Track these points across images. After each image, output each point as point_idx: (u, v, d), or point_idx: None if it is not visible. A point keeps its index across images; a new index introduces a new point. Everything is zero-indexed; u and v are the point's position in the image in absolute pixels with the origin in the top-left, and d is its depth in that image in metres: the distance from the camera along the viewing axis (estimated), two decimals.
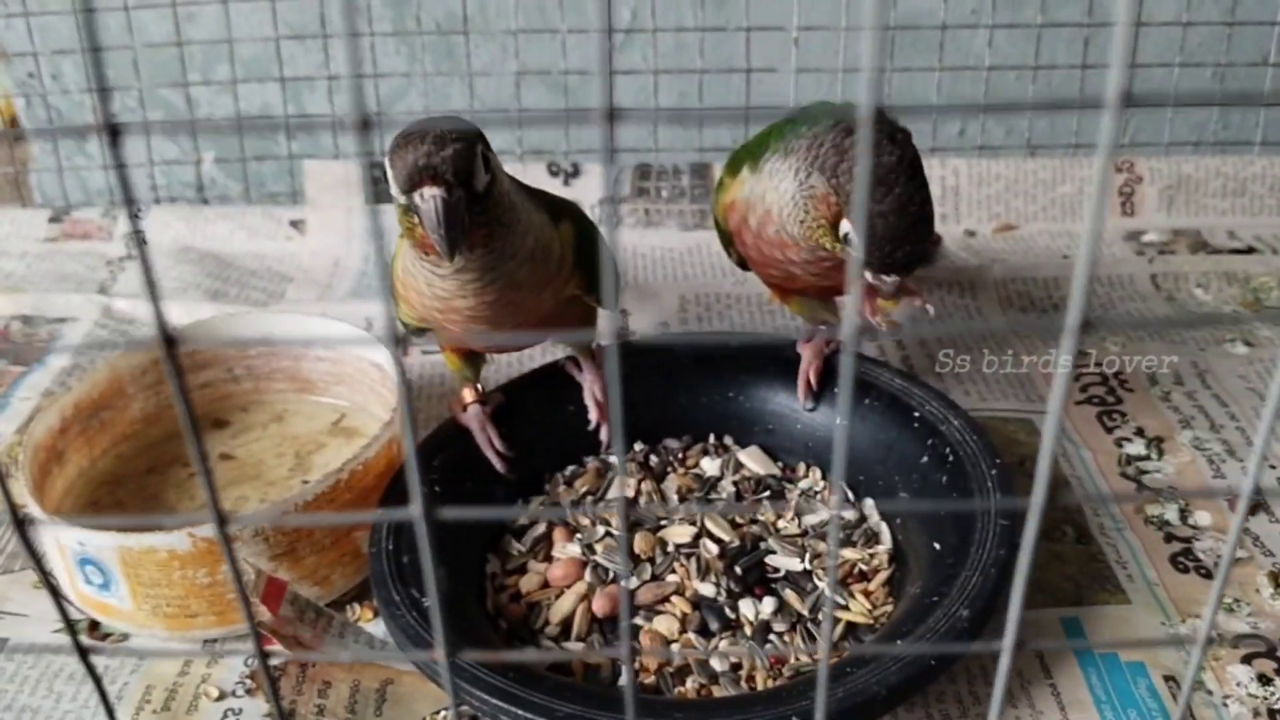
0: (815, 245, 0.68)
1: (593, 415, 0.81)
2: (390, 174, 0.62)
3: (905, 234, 0.63)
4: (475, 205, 0.62)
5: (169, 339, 0.26)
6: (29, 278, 1.09)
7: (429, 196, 0.60)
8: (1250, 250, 1.07)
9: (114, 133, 0.25)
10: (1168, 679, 0.64)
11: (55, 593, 0.34)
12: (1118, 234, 1.13)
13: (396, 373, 0.27)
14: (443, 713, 0.66)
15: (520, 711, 0.57)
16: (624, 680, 0.39)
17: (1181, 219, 1.14)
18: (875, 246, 0.64)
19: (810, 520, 0.75)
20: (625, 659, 0.30)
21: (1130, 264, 1.05)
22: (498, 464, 0.77)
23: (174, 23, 1.16)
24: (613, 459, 0.81)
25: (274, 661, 0.68)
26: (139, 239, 0.27)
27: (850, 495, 0.78)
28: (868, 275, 0.66)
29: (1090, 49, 1.16)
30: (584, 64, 1.18)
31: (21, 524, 0.37)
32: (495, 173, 0.64)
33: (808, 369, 0.80)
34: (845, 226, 0.66)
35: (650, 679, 0.66)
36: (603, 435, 0.81)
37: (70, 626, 0.33)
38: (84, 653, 0.32)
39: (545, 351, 0.95)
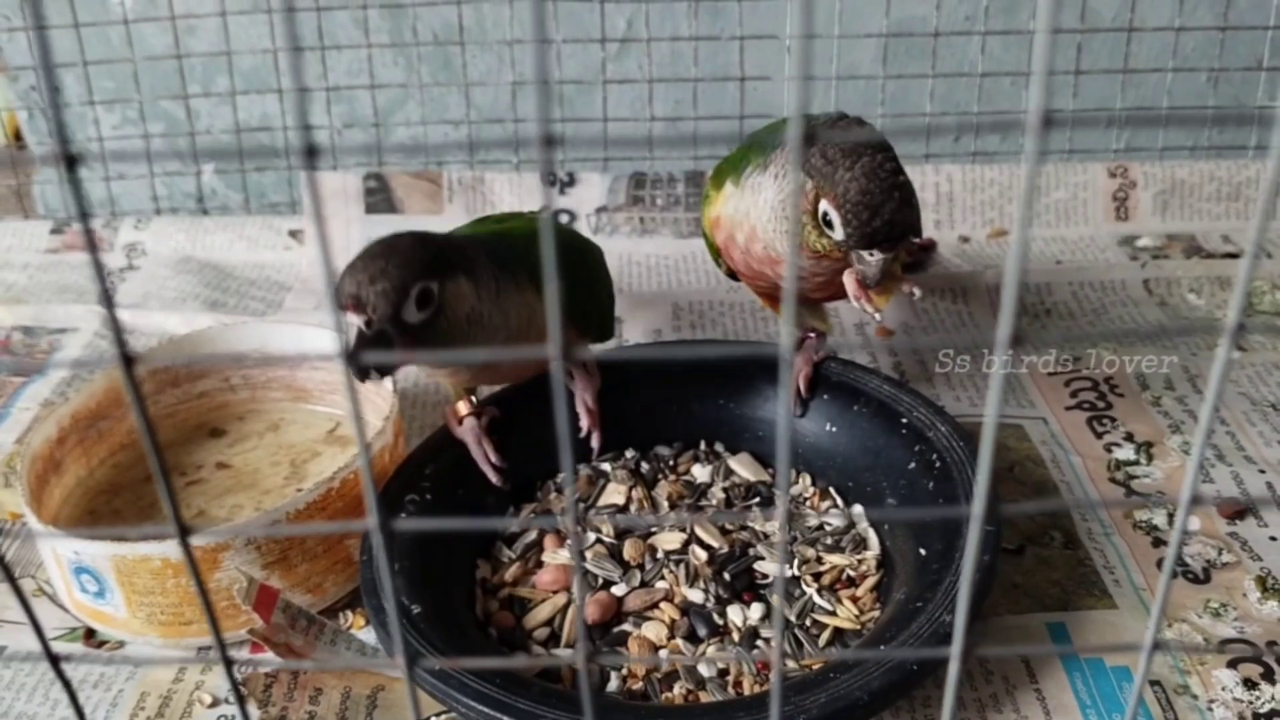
0: (805, 248, 0.69)
1: (584, 423, 0.81)
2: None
3: (882, 201, 0.64)
4: (407, 334, 0.62)
5: (128, 359, 0.27)
6: (30, 289, 1.10)
7: (350, 322, 0.62)
8: (1241, 256, 1.08)
9: (71, 161, 0.25)
10: (1153, 683, 0.64)
11: (23, 599, 0.35)
12: (1112, 239, 1.13)
13: (349, 398, 0.28)
14: (431, 718, 0.66)
15: (506, 718, 0.58)
16: (581, 686, 0.40)
17: (1175, 224, 1.14)
18: (854, 216, 0.64)
19: (800, 526, 0.76)
20: (581, 664, 0.31)
21: (1123, 269, 1.05)
22: (493, 477, 0.77)
23: (174, 35, 1.18)
24: (604, 466, 0.81)
25: (265, 669, 0.69)
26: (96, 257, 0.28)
27: (839, 501, 0.78)
28: (853, 261, 0.67)
29: (1084, 55, 1.16)
30: (580, 74, 1.18)
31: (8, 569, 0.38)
32: (448, 302, 0.64)
33: (797, 376, 0.80)
34: (824, 206, 0.66)
35: (638, 685, 0.66)
36: (594, 443, 0.81)
37: (39, 631, 0.34)
38: (54, 660, 0.33)
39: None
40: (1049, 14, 0.23)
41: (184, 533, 0.30)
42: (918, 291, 0.74)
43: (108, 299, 0.26)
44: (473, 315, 0.66)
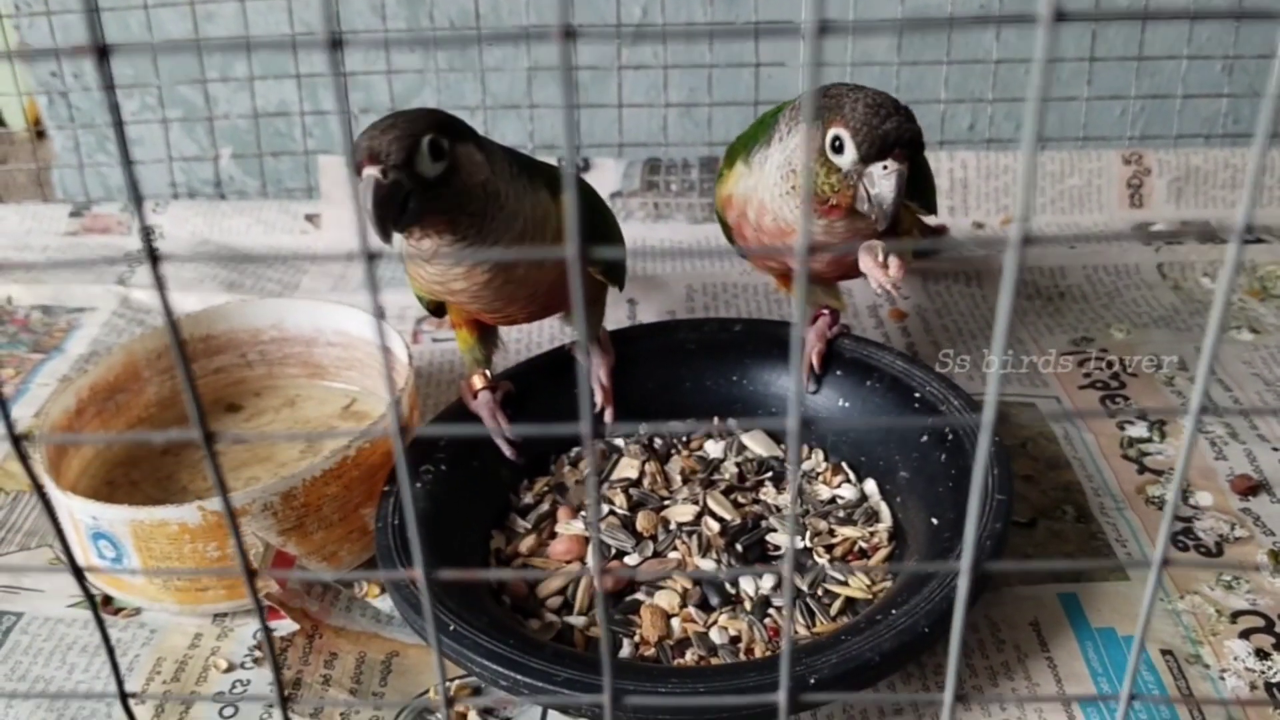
0: (813, 200, 0.69)
1: (598, 398, 0.82)
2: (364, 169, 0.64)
3: (890, 111, 0.65)
4: (427, 193, 0.63)
5: (155, 258, 0.28)
6: (49, 269, 1.11)
7: (365, 176, 0.62)
8: (1259, 240, 1.08)
9: (103, 53, 0.26)
10: (1165, 652, 0.64)
11: (73, 562, 0.35)
12: (1126, 225, 1.13)
13: (371, 298, 0.29)
14: (448, 682, 0.67)
15: (519, 676, 0.58)
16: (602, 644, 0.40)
17: (1190, 210, 1.14)
18: (864, 124, 0.65)
19: (813, 500, 0.76)
20: (603, 620, 0.31)
21: (1136, 253, 1.05)
22: (506, 450, 0.78)
23: (193, 21, 1.19)
24: (618, 441, 0.82)
25: (280, 633, 0.70)
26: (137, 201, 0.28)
27: (852, 476, 0.78)
28: (866, 191, 0.67)
29: (1098, 42, 1.16)
30: (596, 60, 1.19)
31: (45, 497, 0.38)
32: (461, 163, 0.65)
33: (810, 352, 0.81)
34: (833, 131, 0.66)
35: (650, 651, 0.67)
36: (607, 418, 0.81)
37: (76, 568, 0.34)
38: (94, 605, 0.33)
39: (552, 337, 0.96)
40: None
41: (225, 491, 0.30)
42: (900, 271, 0.74)
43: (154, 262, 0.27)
44: (489, 186, 0.66)
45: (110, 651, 0.36)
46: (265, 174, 1.25)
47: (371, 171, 0.62)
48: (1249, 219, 0.27)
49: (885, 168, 0.66)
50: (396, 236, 0.67)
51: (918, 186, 0.74)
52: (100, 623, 0.34)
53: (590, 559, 0.72)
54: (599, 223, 0.81)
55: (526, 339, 0.97)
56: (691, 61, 1.19)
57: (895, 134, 0.65)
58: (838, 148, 0.67)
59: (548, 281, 0.72)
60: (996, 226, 1.13)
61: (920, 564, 0.65)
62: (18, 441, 0.32)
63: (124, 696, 0.35)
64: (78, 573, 0.33)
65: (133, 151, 1.25)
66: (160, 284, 0.27)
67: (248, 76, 1.21)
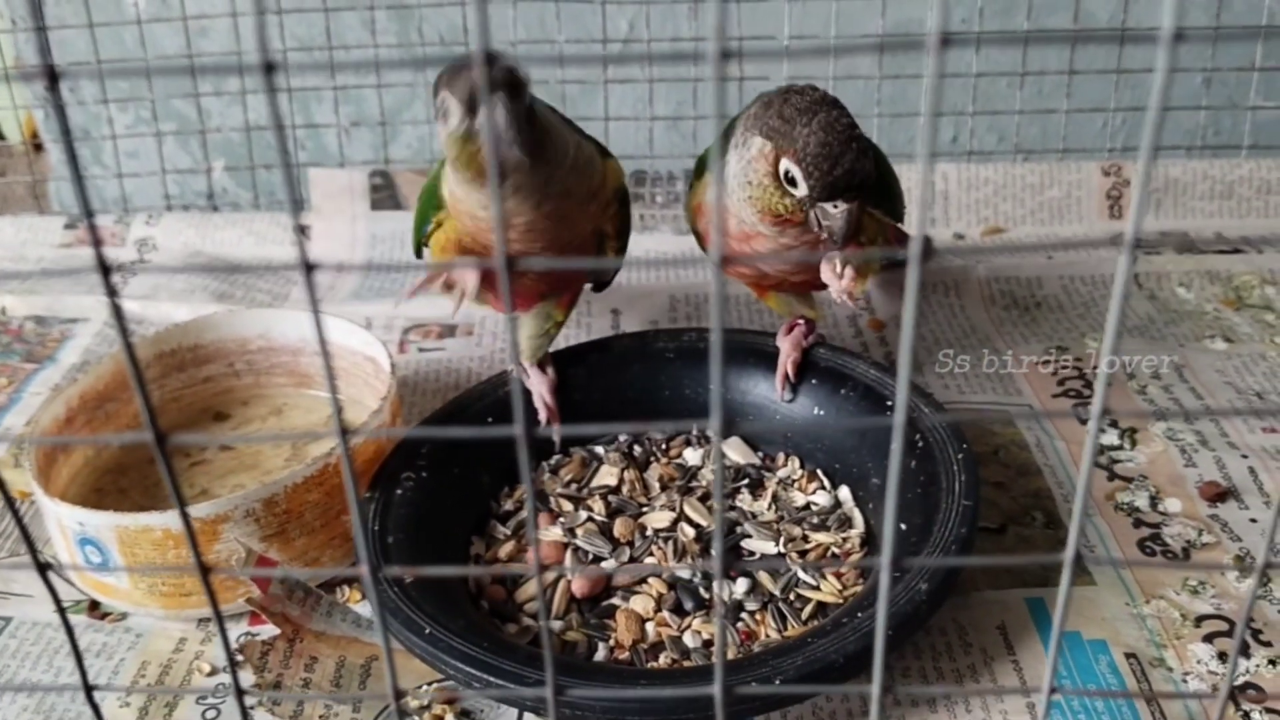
0: (769, 213, 0.70)
1: (542, 416, 0.83)
2: (450, 104, 0.65)
3: (841, 151, 0.65)
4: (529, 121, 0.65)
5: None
6: (43, 283, 1.13)
7: (498, 109, 0.62)
8: (1236, 251, 1.09)
9: (54, 78, 0.28)
10: (1129, 656, 0.66)
11: (40, 567, 0.36)
12: (1106, 236, 1.14)
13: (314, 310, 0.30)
14: (424, 686, 0.68)
15: (493, 679, 0.60)
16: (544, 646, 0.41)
17: (1169, 221, 1.15)
18: (815, 168, 0.66)
19: (787, 506, 0.77)
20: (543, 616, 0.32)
21: (1113, 264, 1.07)
22: (556, 438, 0.83)
23: (185, 36, 1.20)
24: (598, 448, 0.83)
25: (262, 637, 0.71)
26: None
27: (826, 482, 0.80)
28: (817, 218, 0.68)
29: (1077, 55, 1.18)
30: (582, 74, 1.21)
31: (17, 513, 0.40)
32: (535, 101, 0.67)
33: (785, 362, 0.82)
34: (784, 164, 0.67)
35: (624, 655, 0.68)
36: (554, 436, 0.82)
37: (39, 565, 0.36)
38: (42, 568, 0.35)
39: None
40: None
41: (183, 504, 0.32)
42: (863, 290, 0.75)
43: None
44: (549, 124, 0.68)
45: (73, 642, 0.38)
46: (257, 186, 1.27)
47: (505, 100, 0.62)
48: (1137, 232, 0.29)
49: (836, 206, 0.67)
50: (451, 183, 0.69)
51: (884, 194, 0.75)
52: (61, 611, 0.36)
53: (567, 563, 0.74)
54: (627, 194, 0.81)
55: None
56: (677, 75, 1.21)
57: (845, 179, 0.66)
58: (790, 180, 0.68)
59: (581, 235, 0.73)
60: (977, 236, 1.15)
61: (841, 561, 0.67)
62: None
63: (89, 690, 0.36)
64: (41, 568, 0.34)
65: (126, 164, 1.27)
66: (112, 292, 0.28)
67: (240, 90, 1.23)
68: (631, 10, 1.20)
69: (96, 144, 1.29)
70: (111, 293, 0.28)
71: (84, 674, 0.37)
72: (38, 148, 1.39)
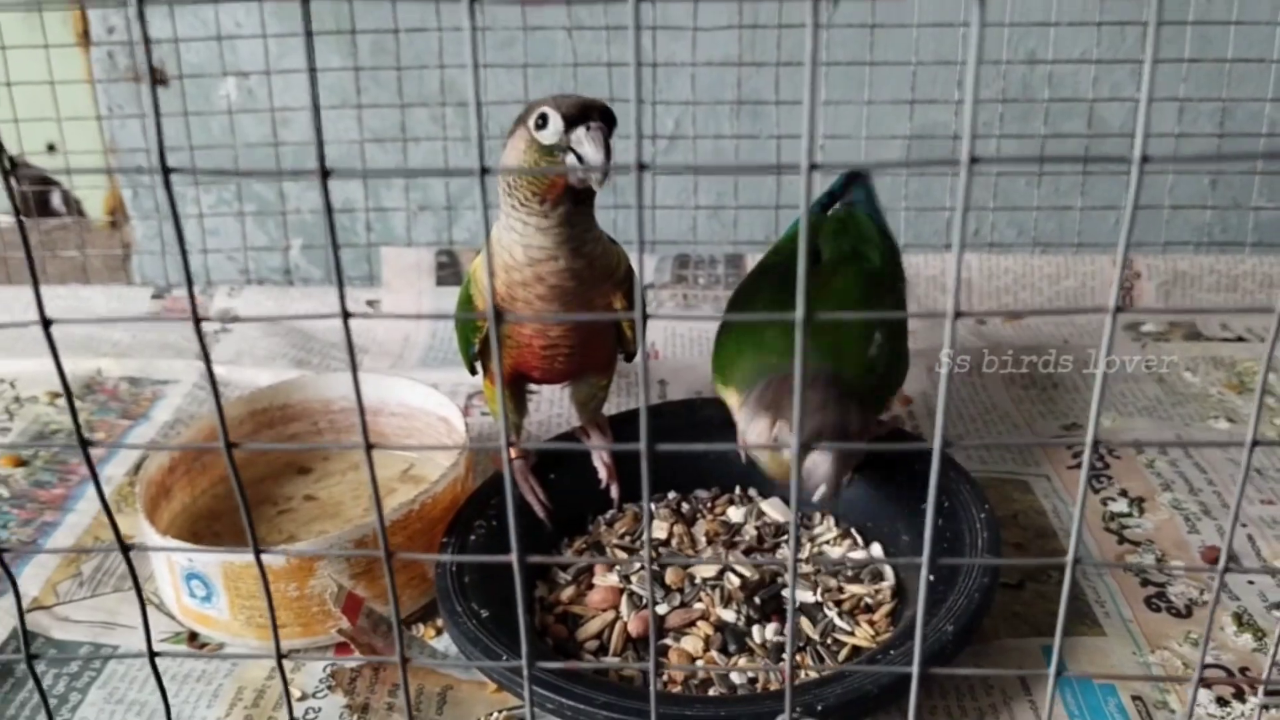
0: (773, 466, 0.80)
1: (602, 475, 0.91)
2: (551, 116, 0.73)
3: (828, 425, 0.74)
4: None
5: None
6: (134, 346, 1.23)
7: (595, 128, 0.72)
8: (1240, 339, 1.17)
9: (167, 172, 0.37)
10: (1135, 699, 0.72)
11: (143, 604, 0.44)
12: (1118, 324, 1.23)
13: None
14: (495, 714, 0.75)
15: (565, 700, 0.67)
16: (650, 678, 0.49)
17: (1178, 312, 1.24)
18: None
19: (824, 561, 0.85)
20: (652, 657, 0.41)
21: (1125, 350, 1.15)
22: (539, 511, 0.87)
23: (271, 126, 1.32)
24: (652, 506, 0.91)
25: (350, 665, 0.79)
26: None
27: (860, 540, 0.87)
28: (577, 156, 0.74)
29: (1090, 153, 1.27)
30: (627, 160, 1.31)
31: (127, 551, 0.48)
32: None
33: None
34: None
35: (677, 689, 0.75)
36: (613, 493, 0.91)
37: (146, 627, 0.44)
38: (152, 654, 0.43)
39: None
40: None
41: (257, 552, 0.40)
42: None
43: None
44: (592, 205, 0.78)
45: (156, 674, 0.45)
46: (330, 264, 1.37)
47: (599, 125, 0.72)
48: (956, 307, 0.37)
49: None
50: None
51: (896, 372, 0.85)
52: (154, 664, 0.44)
53: (623, 608, 0.81)
54: (632, 278, 0.90)
55: (552, 400, 1.07)
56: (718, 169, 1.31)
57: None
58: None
59: (596, 306, 0.81)
60: (999, 322, 1.24)
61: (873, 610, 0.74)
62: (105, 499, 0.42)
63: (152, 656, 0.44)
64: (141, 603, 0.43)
65: (208, 241, 1.38)
66: (206, 355, 0.37)
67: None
68: (678, 110, 1.31)
69: (181, 221, 1.40)
70: (205, 355, 0.37)
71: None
72: (114, 225, 1.50)
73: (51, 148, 1.41)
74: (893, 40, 1.22)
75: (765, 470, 0.82)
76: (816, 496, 0.75)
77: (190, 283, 0.39)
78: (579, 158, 0.73)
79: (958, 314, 0.37)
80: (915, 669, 0.42)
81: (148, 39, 1.23)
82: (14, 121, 1.34)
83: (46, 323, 0.42)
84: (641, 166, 0.36)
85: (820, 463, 0.74)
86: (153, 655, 0.51)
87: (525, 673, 0.46)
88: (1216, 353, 1.14)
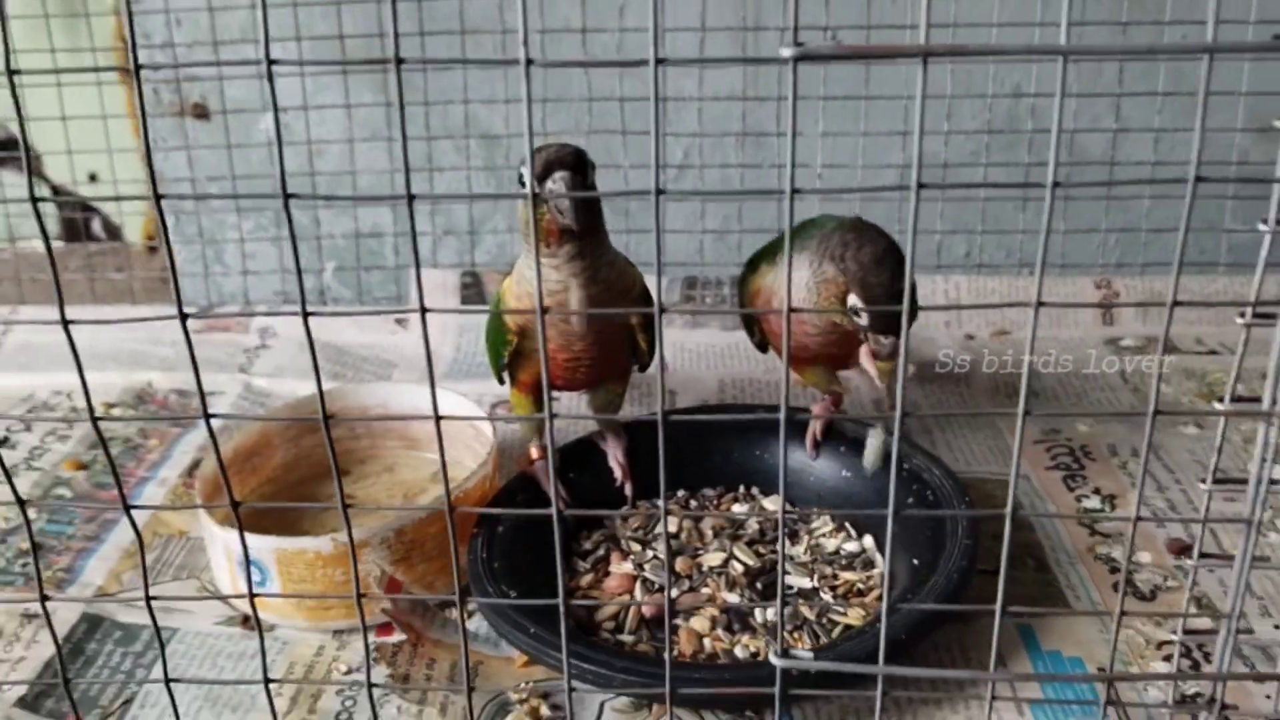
0: (827, 321, 0.88)
1: (618, 475, 1.00)
2: (526, 175, 0.80)
3: (896, 298, 0.83)
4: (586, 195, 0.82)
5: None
6: (181, 360, 1.32)
7: (558, 179, 0.81)
8: (1212, 353, 1.25)
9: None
10: (1100, 669, 0.80)
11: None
12: (1099, 340, 1.31)
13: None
14: (523, 685, 0.83)
15: (587, 666, 0.75)
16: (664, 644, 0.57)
17: (1155, 328, 1.32)
18: (877, 313, 0.83)
19: (821, 553, 0.93)
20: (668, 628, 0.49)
21: (1102, 362, 1.24)
22: (560, 505, 0.96)
23: (308, 157, 1.42)
24: (660, 503, 1.00)
25: (392, 641, 0.87)
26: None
27: (853, 532, 0.95)
28: (871, 341, 0.85)
29: (1072, 179, 1.36)
30: (646, 187, 1.40)
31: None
32: (594, 185, 0.85)
33: (814, 426, 0.99)
34: (852, 300, 0.85)
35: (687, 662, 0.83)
36: (627, 491, 0.99)
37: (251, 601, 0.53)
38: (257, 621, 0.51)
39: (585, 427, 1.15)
40: None
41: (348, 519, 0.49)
42: (911, 368, 0.93)
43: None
44: (601, 227, 0.87)
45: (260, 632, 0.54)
46: (360, 285, 1.47)
47: (563, 174, 0.81)
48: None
49: (887, 338, 0.84)
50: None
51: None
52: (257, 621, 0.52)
53: (638, 592, 0.89)
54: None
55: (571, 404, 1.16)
56: (726, 198, 1.40)
57: (896, 322, 0.83)
58: (855, 312, 0.85)
59: (615, 326, 0.90)
60: (986, 337, 1.32)
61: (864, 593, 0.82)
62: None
63: (267, 683, 0.53)
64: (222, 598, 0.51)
65: (248, 264, 1.47)
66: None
67: (351, 203, 1.44)
68: (686, 141, 1.40)
69: (220, 246, 1.50)
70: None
71: (265, 668, 0.53)
72: (152, 249, 1.60)
73: (93, 177, 1.51)
74: (886, 77, 1.31)
75: (804, 320, 0.90)
76: (878, 353, 0.85)
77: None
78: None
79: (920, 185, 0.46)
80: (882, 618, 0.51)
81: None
82: (67, 153, 1.44)
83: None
84: (660, 192, 0.44)
85: (887, 342, 0.84)
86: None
87: (561, 608, 0.53)
88: (1188, 364, 1.22)
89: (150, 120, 1.46)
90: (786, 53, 0.41)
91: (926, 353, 1.26)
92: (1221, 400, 0.54)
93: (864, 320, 0.85)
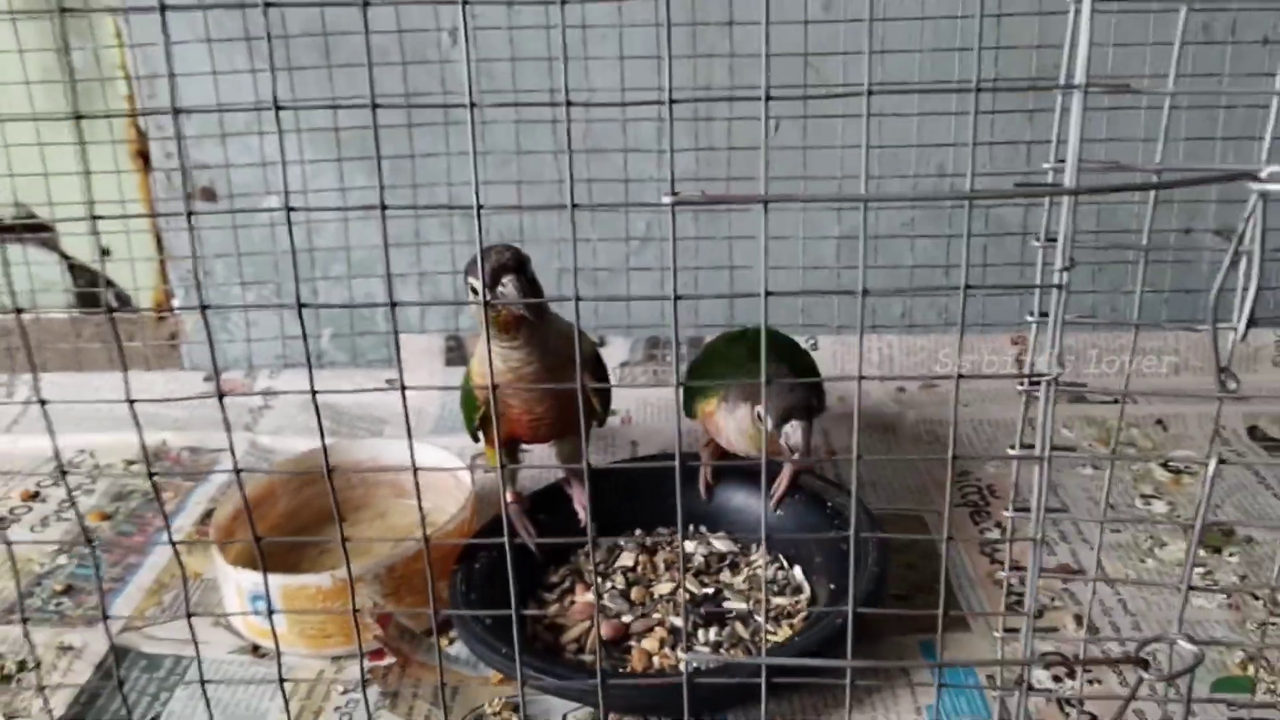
0: (755, 442, 1.03)
1: (582, 517, 1.14)
2: (477, 282, 0.96)
3: (792, 399, 0.97)
4: (531, 289, 0.97)
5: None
6: (191, 421, 1.46)
7: (507, 281, 0.95)
8: (1115, 401, 1.41)
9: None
10: (990, 678, 0.95)
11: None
12: (1014, 390, 1.46)
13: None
14: (496, 700, 0.97)
15: (550, 680, 0.89)
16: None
17: (1065, 378, 1.47)
18: (775, 411, 0.97)
19: (758, 582, 1.08)
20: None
21: (1013, 411, 1.39)
22: (532, 546, 1.10)
23: (307, 232, 1.57)
24: (620, 541, 1.14)
25: (383, 664, 1.01)
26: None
27: (785, 563, 1.10)
28: (785, 436, 0.99)
29: (990, 252, 1.52)
30: (610, 263, 1.56)
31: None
32: (536, 280, 0.99)
33: (779, 491, 1.12)
34: (757, 409, 1.00)
35: None
36: (589, 533, 1.13)
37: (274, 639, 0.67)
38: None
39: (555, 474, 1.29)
40: None
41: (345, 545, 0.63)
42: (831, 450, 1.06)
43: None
44: (547, 307, 1.00)
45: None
46: (355, 349, 1.61)
47: (511, 277, 0.95)
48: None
49: (792, 426, 0.97)
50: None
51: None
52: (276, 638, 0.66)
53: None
54: (601, 371, 1.14)
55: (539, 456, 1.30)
56: (683, 265, 1.56)
57: (795, 413, 0.97)
58: (760, 418, 1.00)
59: (569, 391, 1.04)
60: (915, 389, 1.47)
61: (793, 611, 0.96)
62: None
63: (281, 682, 0.67)
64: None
65: (251, 331, 1.62)
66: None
67: (345, 275, 1.59)
68: (648, 215, 1.56)
69: (224, 314, 1.65)
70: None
71: (280, 669, 0.67)
72: (161, 319, 1.74)
73: (105, 252, 1.65)
74: (823, 159, 1.48)
75: (744, 447, 1.05)
76: (795, 455, 0.98)
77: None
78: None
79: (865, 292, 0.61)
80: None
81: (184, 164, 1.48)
82: (94, 234, 1.59)
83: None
84: (579, 300, 0.59)
85: (794, 431, 0.97)
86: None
87: (513, 621, 0.67)
88: (1089, 412, 1.37)
89: (162, 203, 1.62)
90: (666, 200, 0.56)
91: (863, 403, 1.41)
92: (1026, 448, 0.68)
93: (770, 423, 0.98)
